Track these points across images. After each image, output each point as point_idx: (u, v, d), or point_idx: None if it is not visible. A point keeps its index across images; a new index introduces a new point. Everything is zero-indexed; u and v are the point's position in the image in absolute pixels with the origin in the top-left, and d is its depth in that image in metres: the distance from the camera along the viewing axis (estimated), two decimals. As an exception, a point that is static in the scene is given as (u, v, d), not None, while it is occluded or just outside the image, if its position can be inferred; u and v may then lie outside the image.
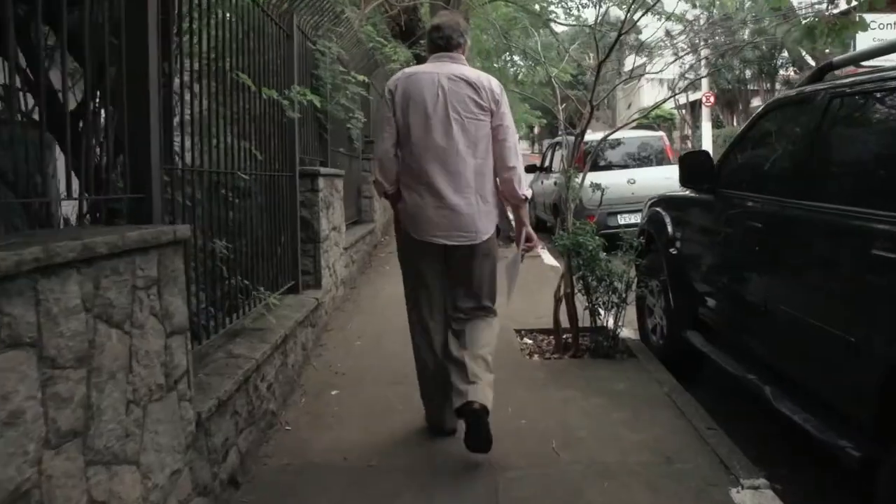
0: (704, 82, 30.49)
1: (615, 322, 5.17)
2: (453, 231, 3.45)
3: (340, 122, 7.74)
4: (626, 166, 10.17)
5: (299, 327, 4.72)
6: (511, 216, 3.83)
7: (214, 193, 3.63)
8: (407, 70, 3.66)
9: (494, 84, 3.53)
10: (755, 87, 30.75)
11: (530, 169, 12.76)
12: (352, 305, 6.76)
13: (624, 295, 5.15)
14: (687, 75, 29.44)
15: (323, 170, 5.75)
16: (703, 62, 28.41)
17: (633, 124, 10.03)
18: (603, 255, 5.05)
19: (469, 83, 3.43)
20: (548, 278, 8.00)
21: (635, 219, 9.97)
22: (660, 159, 10.47)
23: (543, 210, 11.88)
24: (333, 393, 4.43)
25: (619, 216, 9.94)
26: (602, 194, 5.51)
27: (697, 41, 29.03)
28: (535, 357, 5.25)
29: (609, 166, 10.28)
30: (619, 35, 5.50)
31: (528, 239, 3.86)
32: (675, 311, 4.94)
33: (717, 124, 32.33)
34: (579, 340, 5.25)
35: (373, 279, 8.06)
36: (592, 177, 10.03)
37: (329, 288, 6.05)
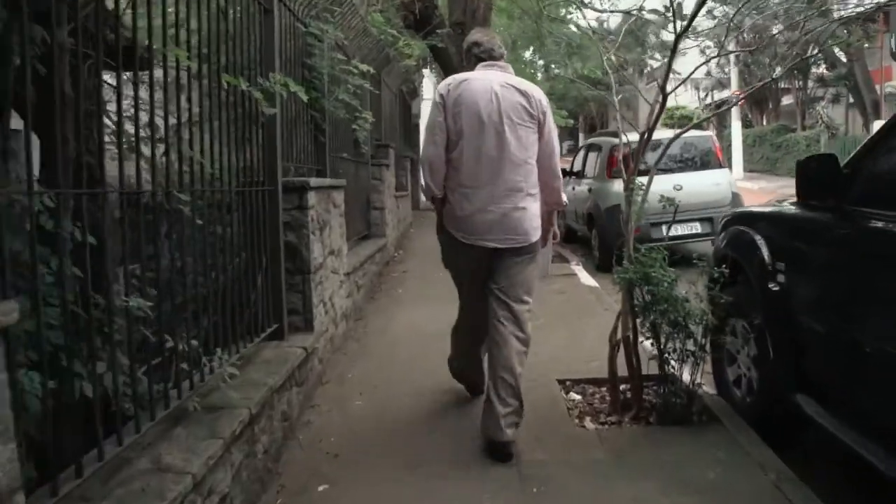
0: (734, 80, 29.18)
1: (693, 378, 3.96)
2: (502, 234, 3.54)
3: (344, 122, 6.58)
4: (669, 170, 8.93)
5: (277, 394, 3.55)
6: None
7: (136, 223, 2.47)
8: (458, 76, 3.68)
9: (542, 95, 3.66)
10: (786, 85, 29.31)
11: (565, 174, 11.56)
12: (355, 345, 5.57)
13: (703, 342, 3.95)
14: (714, 71, 28.03)
15: (314, 181, 4.57)
16: (733, 59, 27.21)
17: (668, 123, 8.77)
18: (681, 293, 3.83)
19: (520, 91, 3.55)
20: (588, 305, 6.79)
21: (683, 230, 8.74)
22: (708, 162, 9.18)
23: (575, 219, 10.64)
24: (321, 489, 3.24)
25: (664, 227, 8.68)
26: (670, 205, 4.27)
27: (727, 38, 27.77)
28: (588, 422, 4.04)
29: (648, 171, 9.03)
30: (701, 4, 4.31)
31: (554, 236, 4.22)
32: (776, 363, 3.72)
33: (745, 124, 30.87)
34: (642, 395, 4.06)
35: (383, 306, 6.87)
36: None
37: (324, 328, 4.87)
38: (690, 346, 3.94)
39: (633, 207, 4.33)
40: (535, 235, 3.64)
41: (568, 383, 4.61)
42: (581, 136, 63.98)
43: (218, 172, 3.24)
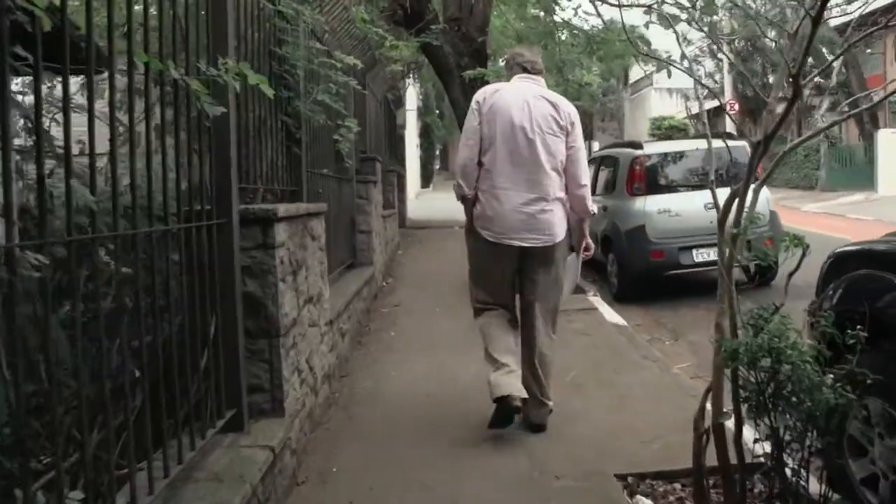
0: (727, 89, 28.31)
1: (823, 488, 2.77)
2: (529, 234, 3.75)
3: (324, 130, 5.40)
4: (699, 186, 7.79)
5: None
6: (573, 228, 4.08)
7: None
8: (494, 85, 4.05)
9: (572, 108, 3.92)
10: (781, 94, 28.42)
11: None
12: (340, 415, 4.33)
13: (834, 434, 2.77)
14: (704, 81, 27.20)
15: (284, 209, 3.35)
16: (726, 67, 26.32)
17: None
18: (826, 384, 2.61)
19: (551, 103, 3.84)
20: (622, 351, 5.63)
21: (714, 254, 7.59)
22: (742, 176, 8.04)
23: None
24: None
25: (694, 252, 7.54)
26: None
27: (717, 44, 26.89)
28: (673, 547, 2.86)
29: (675, 186, 7.88)
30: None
31: (587, 248, 4.34)
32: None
33: (739, 134, 29.99)
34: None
35: (373, 356, 5.64)
36: (656, 201, 7.76)
37: (300, 405, 3.64)
38: (816, 441, 2.77)
39: (733, 246, 3.06)
40: (560, 236, 3.83)
41: (631, 480, 3.40)
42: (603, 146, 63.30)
43: (154, 200, 2.01)
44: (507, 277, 3.93)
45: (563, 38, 9.89)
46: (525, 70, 3.96)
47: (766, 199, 7.84)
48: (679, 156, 7.94)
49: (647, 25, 8.06)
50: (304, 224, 3.86)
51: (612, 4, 8.43)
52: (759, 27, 14.16)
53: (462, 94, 7.78)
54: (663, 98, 45.71)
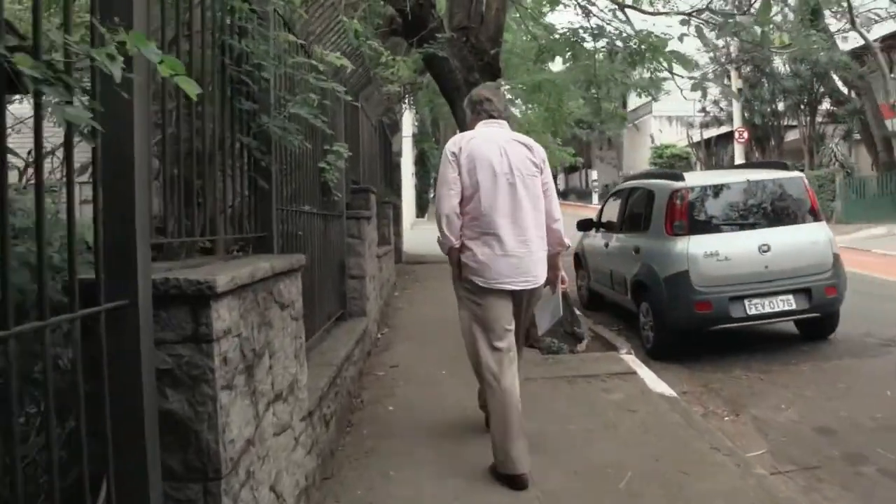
0: (736, 116, 27.35)
1: None
2: (519, 277, 3.83)
3: (306, 156, 4.27)
4: (752, 225, 6.63)
5: None
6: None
7: None
8: (465, 134, 4.02)
9: (539, 147, 4.04)
10: (793, 122, 27.46)
11: (584, 225, 9.20)
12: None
13: None
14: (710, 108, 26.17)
15: (227, 278, 2.16)
16: (734, 90, 25.37)
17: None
18: None
19: (525, 146, 3.96)
20: (681, 436, 4.45)
21: (771, 306, 6.41)
22: (800, 213, 6.84)
23: (610, 285, 8.25)
24: None
25: (747, 302, 6.37)
26: None
27: (725, 68, 25.87)
28: None
29: (723, 225, 6.71)
30: None
31: (563, 281, 4.40)
32: None
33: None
34: None
35: (365, 444, 4.40)
36: (702, 243, 6.59)
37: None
38: None
39: None
40: (545, 276, 3.99)
41: None
42: (561, 177, 62.16)
43: None
44: (506, 318, 3.91)
45: (598, 46, 8.75)
46: (491, 116, 4.08)
47: (828, 239, 6.69)
48: (726, 189, 6.78)
49: (681, 38, 6.90)
50: (267, 291, 2.67)
51: (645, 12, 7.38)
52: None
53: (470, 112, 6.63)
54: (663, 125, 44.93)
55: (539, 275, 3.92)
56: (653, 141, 43.94)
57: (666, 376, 6.04)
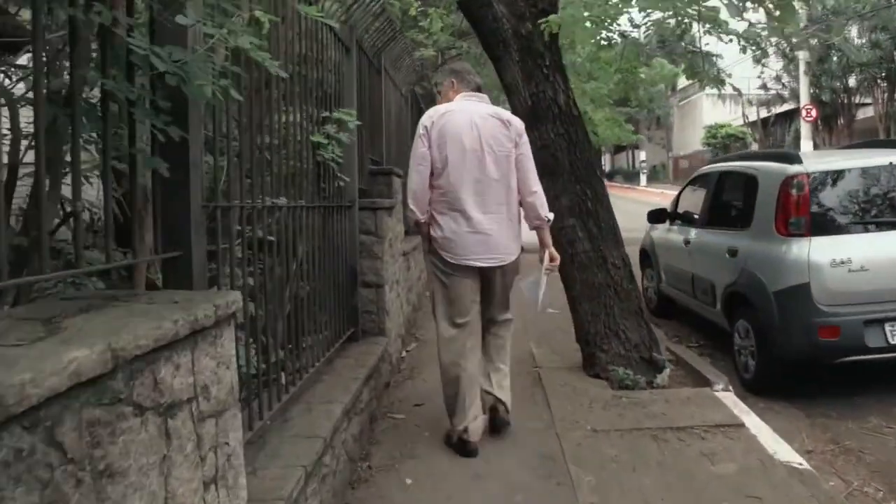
0: (803, 92, 25.21)
1: None
2: (486, 254, 3.84)
3: (284, 127, 2.85)
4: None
5: None
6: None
7: None
8: (439, 108, 3.97)
9: (518, 121, 4.03)
10: (866, 100, 25.21)
11: (656, 217, 7.60)
12: None
13: None
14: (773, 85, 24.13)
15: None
16: (802, 68, 23.32)
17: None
18: None
19: (501, 121, 3.91)
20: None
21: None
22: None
23: (691, 292, 6.67)
24: None
25: (889, 328, 4.78)
26: None
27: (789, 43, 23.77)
28: None
29: (858, 223, 5.08)
30: None
31: (552, 259, 4.17)
32: None
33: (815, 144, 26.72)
34: None
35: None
36: (828, 247, 4.92)
37: None
38: None
39: None
40: (516, 253, 3.96)
41: None
42: (606, 158, 59.46)
43: None
44: (470, 296, 3.92)
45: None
46: (478, 88, 4.07)
47: None
48: (860, 174, 5.15)
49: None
50: (119, 389, 1.23)
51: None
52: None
53: (522, 73, 5.13)
54: (716, 104, 42.62)
55: (510, 252, 3.92)
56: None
57: (777, 423, 4.53)
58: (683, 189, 7.50)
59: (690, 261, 6.59)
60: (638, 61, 10.32)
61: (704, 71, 6.94)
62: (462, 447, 3.89)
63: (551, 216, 4.07)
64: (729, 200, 6.23)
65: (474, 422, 3.92)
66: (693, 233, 6.64)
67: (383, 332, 4.96)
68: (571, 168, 5.14)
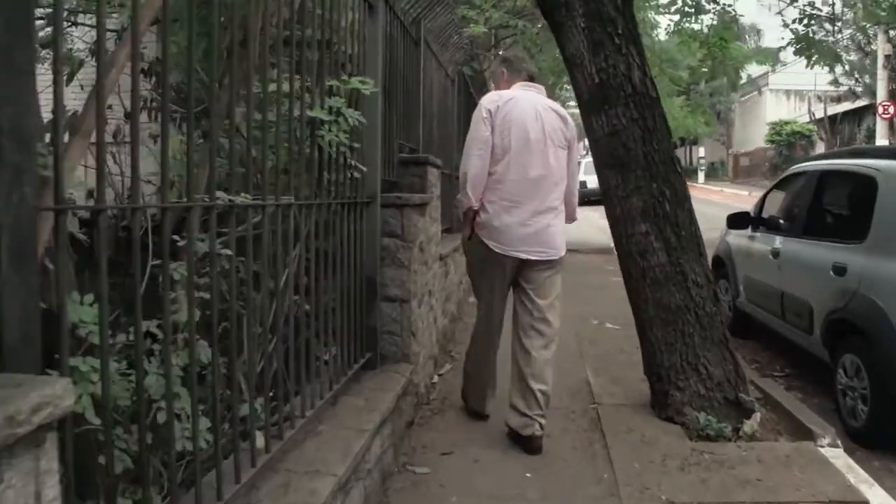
0: (880, 88, 23.60)
1: None
2: (537, 247, 3.75)
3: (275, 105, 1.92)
4: None
5: None
6: None
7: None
8: (503, 93, 3.87)
9: (572, 121, 3.92)
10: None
11: (737, 221, 6.48)
12: None
13: None
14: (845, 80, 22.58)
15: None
16: (881, 62, 21.73)
17: None
18: None
19: (560, 116, 3.83)
20: None
21: None
22: None
23: (779, 312, 5.58)
24: None
25: None
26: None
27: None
28: None
29: None
30: None
31: None
32: None
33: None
34: None
35: None
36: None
37: None
38: None
39: None
40: (564, 249, 3.88)
41: None
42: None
43: None
44: (505, 287, 3.91)
45: None
46: (531, 78, 3.96)
47: None
48: None
49: None
50: None
51: None
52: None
53: (588, 43, 4.15)
54: (780, 100, 40.76)
55: (560, 247, 3.84)
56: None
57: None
58: (770, 190, 6.40)
59: (779, 276, 5.53)
60: (732, 33, 9.23)
61: (818, 44, 5.83)
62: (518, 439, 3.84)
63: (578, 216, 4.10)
64: (835, 206, 5.16)
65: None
66: (784, 243, 5.56)
67: (408, 358, 4.04)
68: (646, 161, 4.16)
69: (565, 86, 12.68)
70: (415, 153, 5.09)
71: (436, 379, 4.94)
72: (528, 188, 3.71)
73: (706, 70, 11.15)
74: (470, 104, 9.66)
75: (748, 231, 6.38)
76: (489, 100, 3.84)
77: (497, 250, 3.76)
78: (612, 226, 4.38)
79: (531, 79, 3.97)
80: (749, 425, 4.11)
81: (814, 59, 5.52)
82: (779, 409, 4.50)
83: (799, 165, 6.19)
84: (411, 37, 5.04)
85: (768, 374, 5.67)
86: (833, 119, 32.54)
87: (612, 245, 13.99)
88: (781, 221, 5.85)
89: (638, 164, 4.16)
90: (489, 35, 9.27)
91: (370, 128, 3.66)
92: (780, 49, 14.67)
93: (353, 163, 3.32)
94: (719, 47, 9.75)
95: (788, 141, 35.73)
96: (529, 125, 3.70)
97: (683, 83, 12.24)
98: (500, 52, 13.13)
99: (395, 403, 3.51)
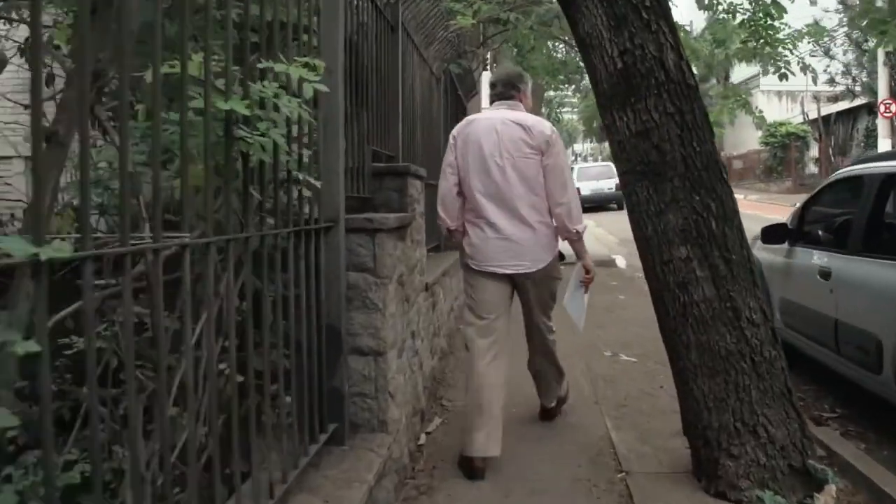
0: (881, 86, 22.89)
1: None
2: (510, 261, 3.75)
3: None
4: None
5: None
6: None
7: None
8: (470, 117, 3.99)
9: (546, 126, 3.80)
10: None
11: (772, 235, 5.55)
12: None
13: None
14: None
15: None
16: (881, 59, 21.01)
17: None
18: None
19: (522, 126, 3.73)
20: None
21: None
22: None
23: (833, 344, 4.65)
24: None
25: None
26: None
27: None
28: None
29: None
30: None
31: (587, 271, 4.02)
32: None
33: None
34: None
35: None
36: None
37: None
38: None
39: None
40: (546, 260, 3.77)
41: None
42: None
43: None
44: (493, 304, 3.83)
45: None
46: (500, 97, 3.93)
47: None
48: None
49: None
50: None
51: None
52: None
53: (608, 19, 3.25)
54: (771, 101, 40.06)
55: (538, 259, 3.76)
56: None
57: None
58: (813, 198, 5.48)
59: (831, 300, 4.62)
60: (781, 7, 8.34)
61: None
62: (465, 465, 3.64)
63: (582, 227, 3.85)
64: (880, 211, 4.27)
65: (483, 439, 3.66)
66: (836, 261, 4.66)
67: (385, 426, 3.12)
68: (686, 166, 3.26)
69: (560, 86, 11.79)
70: (393, 161, 4.19)
71: (423, 440, 4.01)
72: (493, 204, 3.72)
73: (741, 55, 10.19)
74: (458, 106, 8.75)
75: (785, 246, 5.48)
76: (457, 126, 3.95)
77: (476, 267, 3.81)
78: (641, 250, 3.47)
79: (500, 97, 3.93)
80: (822, 500, 3.21)
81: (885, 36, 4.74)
82: (851, 472, 3.60)
83: (849, 168, 5.26)
84: (386, 20, 4.14)
85: (816, 414, 4.78)
86: (826, 119, 31.88)
87: (613, 257, 12.87)
88: (830, 235, 4.95)
89: (675, 170, 3.26)
90: (477, 30, 8.37)
91: (330, 129, 2.76)
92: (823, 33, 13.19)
93: (301, 176, 2.41)
94: (764, 26, 8.90)
95: (783, 143, 35.02)
96: (483, 141, 3.71)
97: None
98: (489, 54, 12.27)
99: (367, 498, 2.59)
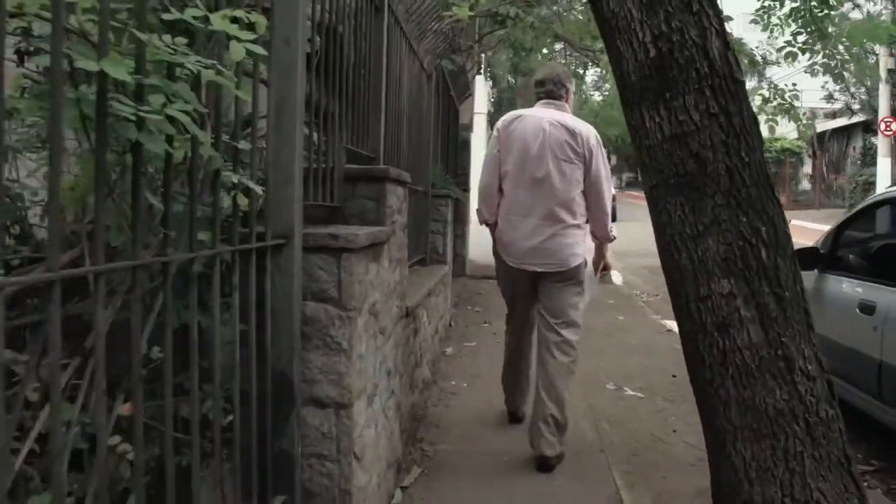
0: (882, 104, 22.44)
1: None
2: (541, 259, 3.83)
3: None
4: None
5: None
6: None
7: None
8: (516, 112, 4.04)
9: (592, 134, 3.87)
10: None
11: (801, 260, 4.92)
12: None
13: None
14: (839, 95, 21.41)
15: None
16: (884, 76, 20.56)
17: None
18: None
19: (569, 130, 3.81)
20: None
21: None
22: None
23: (876, 391, 4.03)
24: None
25: None
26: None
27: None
28: None
29: None
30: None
31: (605, 267, 4.27)
32: None
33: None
34: None
35: None
36: None
37: None
38: None
39: None
40: (574, 262, 3.85)
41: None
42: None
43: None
44: (524, 298, 4.04)
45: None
46: (548, 96, 3.98)
47: None
48: None
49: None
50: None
51: None
52: None
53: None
54: (760, 115, 39.76)
55: (565, 260, 3.83)
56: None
57: None
58: (848, 220, 4.83)
59: (875, 340, 4.00)
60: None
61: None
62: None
63: (614, 235, 4.07)
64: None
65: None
66: (881, 293, 4.04)
67: (348, 496, 2.46)
68: (731, 181, 2.63)
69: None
70: (373, 163, 3.54)
71: (398, 497, 3.34)
72: (529, 202, 3.81)
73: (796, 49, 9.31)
74: (450, 106, 8.11)
75: (814, 272, 4.85)
76: (502, 119, 4.02)
77: (510, 263, 3.92)
78: (671, 281, 2.83)
79: (549, 96, 3.98)
80: None
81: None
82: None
83: (892, 188, 4.65)
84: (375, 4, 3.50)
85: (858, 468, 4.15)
86: (821, 136, 31.52)
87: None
88: (870, 263, 4.33)
89: (718, 185, 2.63)
90: (473, 27, 7.74)
91: (285, 117, 2.11)
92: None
93: (235, 179, 1.76)
94: (817, 18, 8.28)
95: (777, 158, 34.63)
96: (530, 140, 3.79)
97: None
98: (483, 56, 11.64)
99: None
